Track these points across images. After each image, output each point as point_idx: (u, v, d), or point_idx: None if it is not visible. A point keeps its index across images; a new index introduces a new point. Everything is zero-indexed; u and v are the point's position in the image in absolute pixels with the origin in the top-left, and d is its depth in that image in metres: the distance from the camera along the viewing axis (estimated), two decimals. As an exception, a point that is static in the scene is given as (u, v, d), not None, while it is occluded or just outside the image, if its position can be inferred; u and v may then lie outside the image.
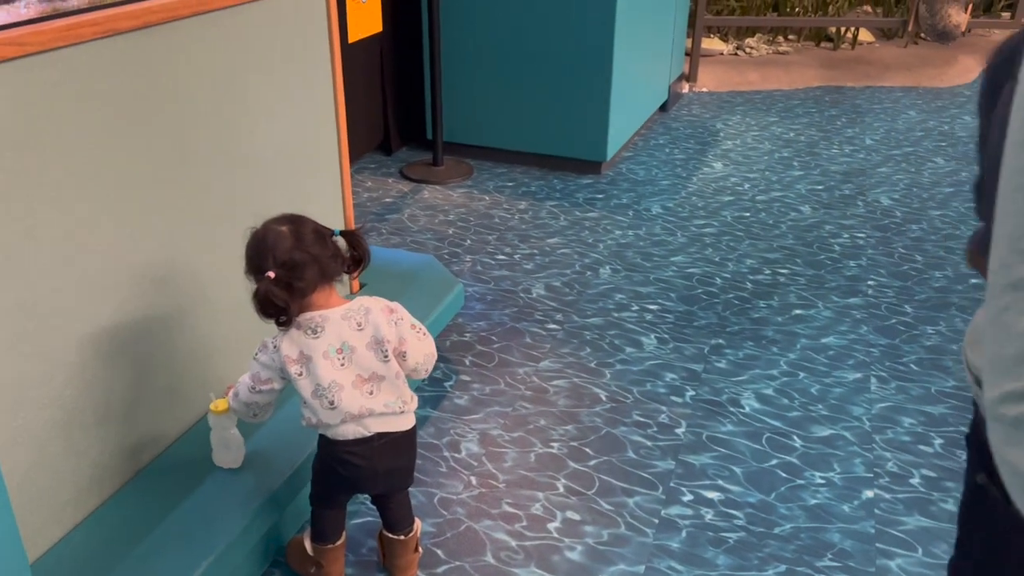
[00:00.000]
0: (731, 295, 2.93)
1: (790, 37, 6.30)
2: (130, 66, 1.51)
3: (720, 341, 2.66)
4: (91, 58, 1.42)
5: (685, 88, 5.30)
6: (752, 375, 2.49)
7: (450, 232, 3.39)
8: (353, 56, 3.65)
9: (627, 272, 3.08)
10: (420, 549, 1.78)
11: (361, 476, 1.60)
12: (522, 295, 2.92)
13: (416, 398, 1.64)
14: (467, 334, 2.68)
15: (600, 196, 3.74)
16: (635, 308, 2.84)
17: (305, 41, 2.05)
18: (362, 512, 1.95)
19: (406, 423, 1.61)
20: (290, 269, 1.46)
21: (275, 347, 1.53)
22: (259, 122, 1.91)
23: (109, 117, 1.49)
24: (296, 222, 1.51)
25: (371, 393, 1.55)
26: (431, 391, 2.39)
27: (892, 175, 4.00)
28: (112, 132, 1.50)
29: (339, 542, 1.71)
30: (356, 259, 1.59)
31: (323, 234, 1.53)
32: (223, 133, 1.79)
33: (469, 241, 3.32)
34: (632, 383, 2.45)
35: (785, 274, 3.08)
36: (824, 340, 2.67)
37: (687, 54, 5.31)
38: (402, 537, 1.72)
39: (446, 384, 2.44)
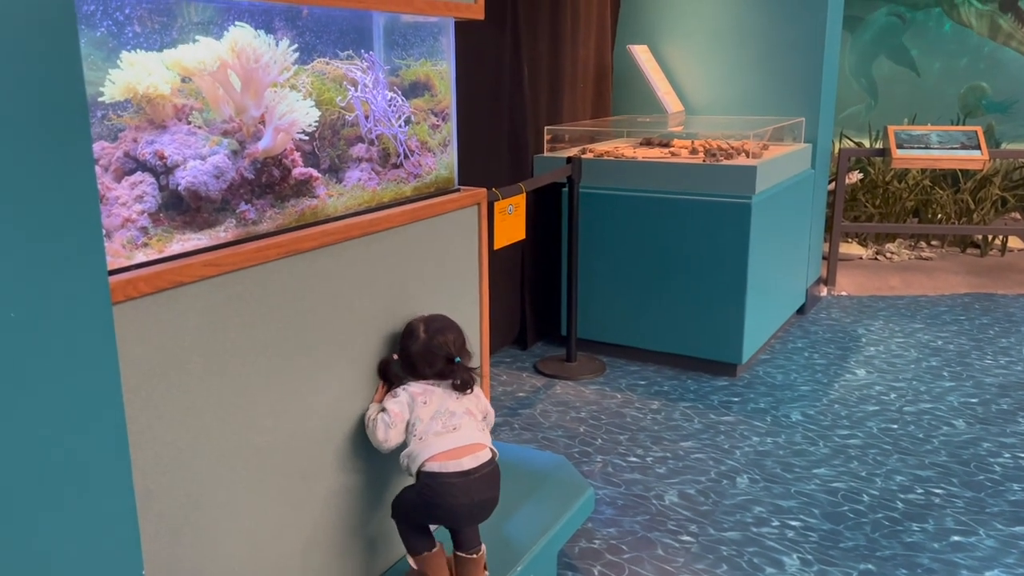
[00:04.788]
0: (880, 515, 2.75)
1: (933, 243, 6.20)
2: (306, 281, 1.67)
3: (870, 567, 2.47)
4: (273, 275, 1.59)
5: (823, 291, 5.25)
6: (908, 609, 2.29)
7: (581, 430, 3.39)
8: (496, 255, 3.87)
9: (766, 483, 2.96)
10: (487, 570, 1.91)
11: (457, 508, 1.78)
12: (654, 501, 2.84)
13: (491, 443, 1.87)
14: (596, 541, 2.62)
15: (736, 399, 3.67)
16: (775, 523, 2.70)
17: (458, 252, 2.21)
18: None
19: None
20: (407, 358, 1.87)
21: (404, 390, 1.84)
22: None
23: (284, 325, 1.64)
24: (448, 337, 1.87)
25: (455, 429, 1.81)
26: (558, 601, 2.32)
27: (1056, 390, 3.75)
28: (286, 336, 1.65)
29: (435, 549, 1.84)
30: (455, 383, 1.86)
31: (451, 355, 1.84)
32: (380, 334, 1.93)
33: (600, 440, 3.30)
34: (773, 608, 2.29)
35: (940, 495, 2.87)
36: (989, 574, 2.43)
37: (824, 258, 5.31)
38: (474, 556, 1.84)
39: (574, 594, 2.36)
